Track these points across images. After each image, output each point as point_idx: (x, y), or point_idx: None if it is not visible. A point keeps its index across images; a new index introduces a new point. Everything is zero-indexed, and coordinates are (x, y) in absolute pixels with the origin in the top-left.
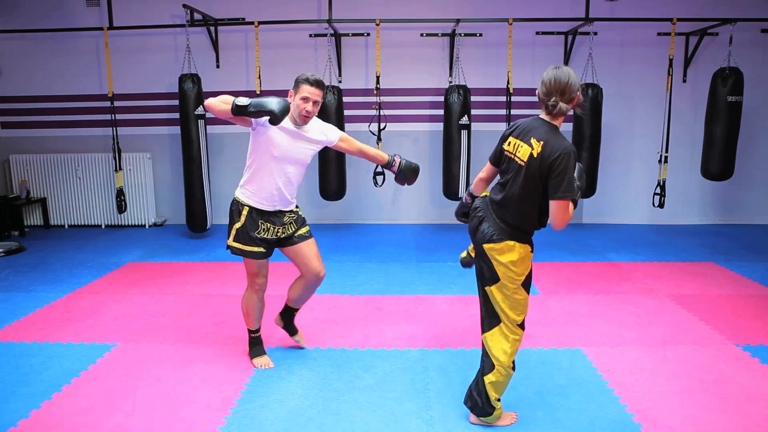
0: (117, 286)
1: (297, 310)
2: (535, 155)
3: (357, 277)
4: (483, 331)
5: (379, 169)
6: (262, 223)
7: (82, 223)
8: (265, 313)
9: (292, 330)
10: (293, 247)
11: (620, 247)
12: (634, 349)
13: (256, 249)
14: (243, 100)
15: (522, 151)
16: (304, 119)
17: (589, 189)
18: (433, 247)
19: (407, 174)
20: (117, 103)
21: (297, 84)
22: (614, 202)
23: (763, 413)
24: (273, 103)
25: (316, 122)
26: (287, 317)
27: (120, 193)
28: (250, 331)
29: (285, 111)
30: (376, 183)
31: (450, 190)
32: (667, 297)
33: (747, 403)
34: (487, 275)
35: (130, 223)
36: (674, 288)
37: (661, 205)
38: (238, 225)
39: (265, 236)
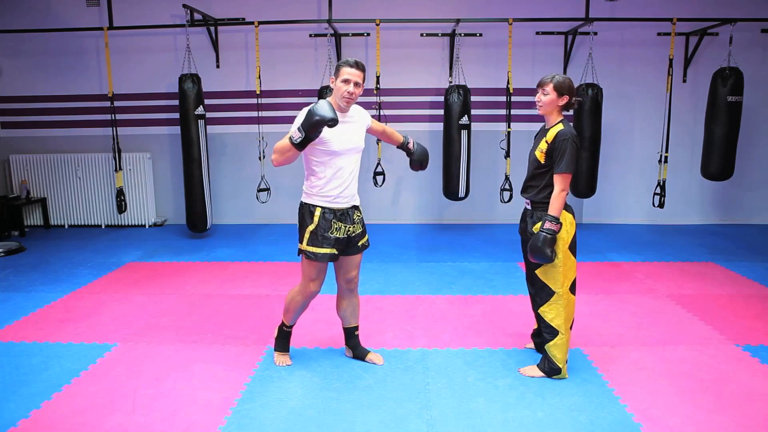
0: (117, 286)
1: (356, 328)
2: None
3: None
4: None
5: (379, 168)
6: (334, 222)
7: (82, 223)
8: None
9: (362, 352)
10: (348, 257)
11: (620, 247)
12: (634, 349)
13: (329, 251)
14: (295, 135)
15: None
16: (347, 101)
17: (589, 189)
18: (433, 247)
19: (422, 156)
20: (117, 103)
21: (337, 69)
22: (614, 202)
23: (763, 413)
24: (317, 112)
25: (353, 107)
26: (352, 342)
27: (120, 193)
28: (283, 325)
29: (330, 108)
30: (376, 183)
31: (450, 190)
32: (667, 297)
33: (747, 403)
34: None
35: (130, 223)
36: (674, 288)
37: (661, 205)
38: (311, 227)
39: (338, 235)
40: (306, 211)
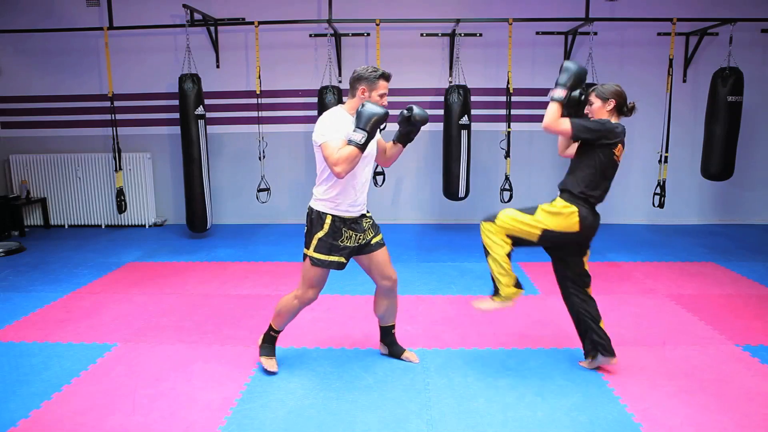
0: (117, 286)
1: (393, 327)
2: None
3: (357, 277)
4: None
5: (379, 168)
6: (345, 230)
7: (82, 223)
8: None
9: (398, 350)
10: (372, 254)
11: (620, 247)
12: (634, 349)
13: (337, 259)
14: (356, 137)
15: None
16: None
17: None
18: (433, 247)
19: (423, 117)
20: (117, 103)
21: (372, 80)
22: (614, 202)
23: (763, 413)
24: (376, 111)
25: None
26: (388, 339)
27: (120, 193)
28: (272, 329)
29: (378, 106)
30: (376, 183)
31: (450, 190)
32: (666, 297)
33: (747, 403)
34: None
35: (130, 223)
36: (674, 288)
37: (661, 205)
38: (320, 234)
39: (348, 244)
40: (316, 217)
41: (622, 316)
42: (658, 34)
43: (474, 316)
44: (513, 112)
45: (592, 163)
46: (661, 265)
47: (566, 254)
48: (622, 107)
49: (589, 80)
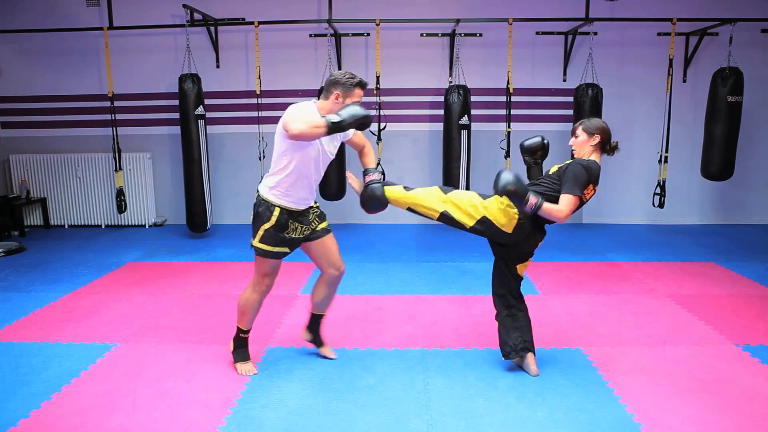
0: (117, 286)
1: (323, 317)
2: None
3: (357, 277)
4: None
5: (379, 168)
6: (291, 223)
7: (82, 223)
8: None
9: (319, 341)
10: (317, 241)
11: (620, 247)
12: (634, 349)
13: (281, 250)
14: (333, 117)
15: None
16: None
17: None
18: (433, 247)
19: (371, 196)
20: (117, 103)
21: (348, 87)
22: (614, 202)
23: (763, 413)
24: (360, 110)
25: None
26: (314, 328)
27: (120, 193)
28: (240, 330)
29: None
30: None
31: None
32: (667, 297)
33: (747, 403)
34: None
35: (130, 223)
36: (674, 288)
37: (661, 205)
38: (267, 226)
39: (293, 236)
40: (264, 208)
41: (622, 316)
42: (658, 34)
43: (474, 316)
44: (513, 112)
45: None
46: (661, 265)
47: (508, 256)
48: (606, 144)
49: (589, 80)
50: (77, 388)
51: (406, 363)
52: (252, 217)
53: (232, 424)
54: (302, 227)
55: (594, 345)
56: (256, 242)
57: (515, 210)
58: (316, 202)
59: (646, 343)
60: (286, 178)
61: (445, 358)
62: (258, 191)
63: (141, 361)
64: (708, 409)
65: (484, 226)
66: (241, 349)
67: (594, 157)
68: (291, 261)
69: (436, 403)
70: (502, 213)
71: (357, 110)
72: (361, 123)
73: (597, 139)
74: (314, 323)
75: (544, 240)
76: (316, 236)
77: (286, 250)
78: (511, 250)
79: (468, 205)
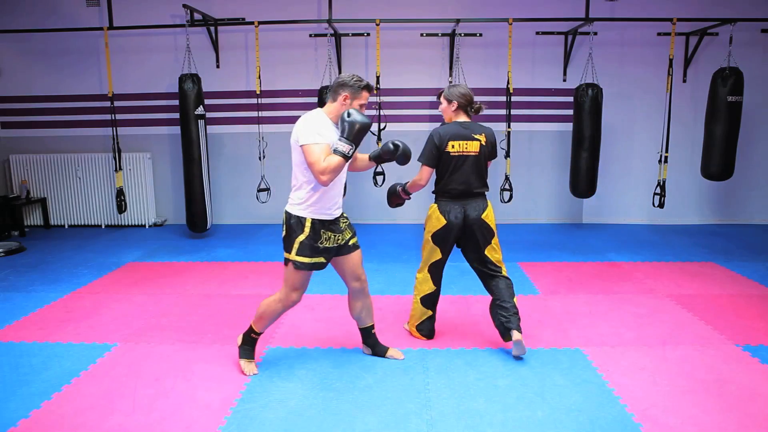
0: (117, 286)
1: (372, 327)
2: (484, 143)
3: None
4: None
5: (379, 168)
6: (323, 232)
7: (82, 223)
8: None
9: (382, 349)
10: (348, 256)
11: (620, 247)
12: (634, 349)
13: (318, 260)
14: (344, 148)
15: (471, 145)
16: None
17: (589, 189)
18: None
19: (405, 151)
20: (117, 103)
21: (356, 89)
22: (614, 202)
23: (763, 413)
24: (360, 120)
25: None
26: (369, 341)
27: (120, 193)
28: (252, 330)
29: (362, 114)
30: (376, 183)
31: None
32: (667, 297)
33: (747, 403)
34: (486, 238)
35: (130, 223)
36: (674, 288)
37: (661, 205)
38: (302, 237)
39: (327, 245)
40: (295, 221)
41: (622, 316)
42: (658, 34)
43: (474, 315)
44: (513, 112)
45: (439, 165)
46: (661, 265)
47: (466, 248)
48: (467, 107)
49: (588, 80)
50: (77, 388)
51: (405, 363)
52: (284, 233)
53: (232, 424)
54: (335, 236)
55: (594, 345)
56: (292, 255)
57: (432, 208)
58: (344, 213)
59: (646, 343)
60: (314, 192)
61: (445, 358)
62: (286, 211)
63: (141, 360)
64: (708, 409)
65: (433, 253)
66: (248, 346)
67: (461, 118)
68: None
69: (436, 403)
70: (430, 220)
71: (358, 125)
72: (366, 132)
73: (455, 105)
74: (367, 336)
75: (545, 239)
76: (348, 251)
77: (323, 260)
78: (463, 241)
79: (417, 281)
